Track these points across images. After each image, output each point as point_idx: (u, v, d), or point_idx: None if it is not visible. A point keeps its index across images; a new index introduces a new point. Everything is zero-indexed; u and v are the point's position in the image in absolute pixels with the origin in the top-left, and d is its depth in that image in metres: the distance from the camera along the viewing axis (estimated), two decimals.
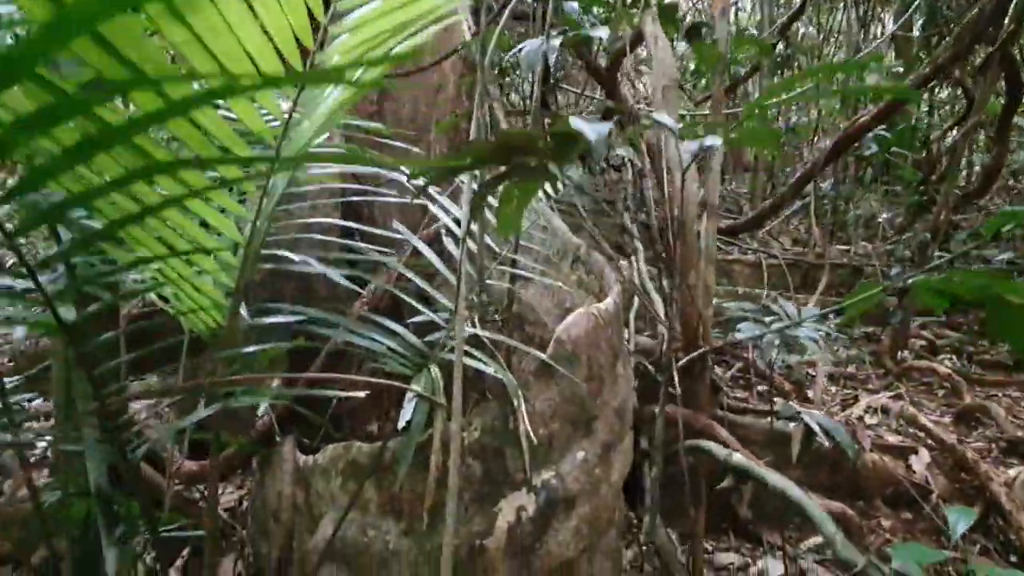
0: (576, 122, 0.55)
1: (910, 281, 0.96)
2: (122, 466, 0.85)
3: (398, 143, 1.63)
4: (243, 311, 0.91)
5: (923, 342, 3.81)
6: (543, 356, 1.04)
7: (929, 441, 2.42)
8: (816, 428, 1.59)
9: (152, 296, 0.92)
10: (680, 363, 1.56)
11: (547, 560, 1.04)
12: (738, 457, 1.30)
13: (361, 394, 0.94)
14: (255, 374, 2.04)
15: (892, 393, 2.93)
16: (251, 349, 0.90)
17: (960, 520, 1.32)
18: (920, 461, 2.34)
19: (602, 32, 1.21)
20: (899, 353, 3.59)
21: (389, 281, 1.88)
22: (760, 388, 2.95)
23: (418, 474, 1.05)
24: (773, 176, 7.88)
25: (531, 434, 0.99)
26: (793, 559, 1.97)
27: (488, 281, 1.18)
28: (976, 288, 0.77)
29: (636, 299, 2.37)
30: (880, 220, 5.10)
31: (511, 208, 0.77)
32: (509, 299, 1.37)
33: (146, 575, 1.44)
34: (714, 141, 0.70)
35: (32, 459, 2.16)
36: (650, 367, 1.90)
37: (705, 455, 1.38)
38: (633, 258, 2.72)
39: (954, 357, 3.74)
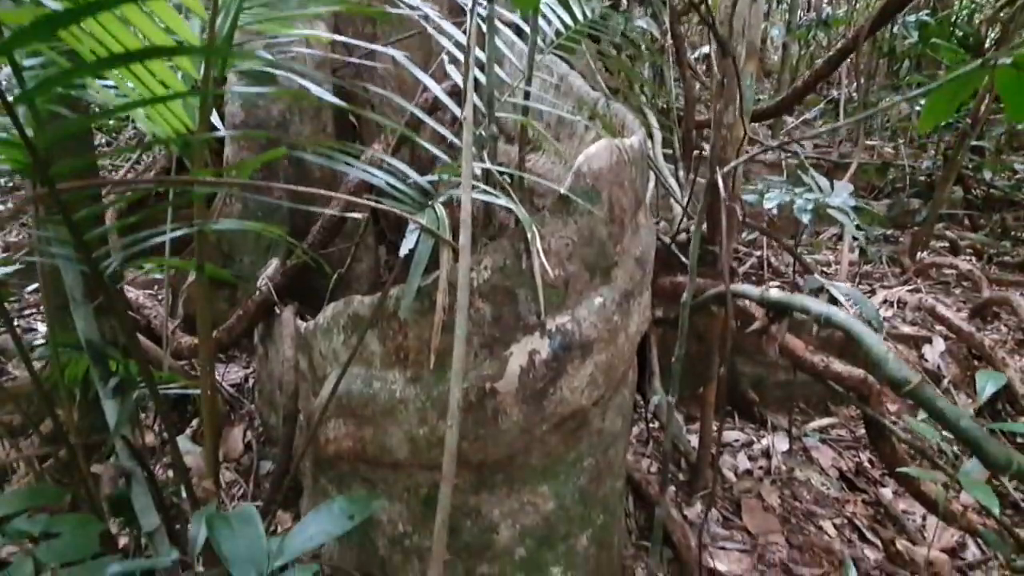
0: None
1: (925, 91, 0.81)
2: (98, 284, 0.76)
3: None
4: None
5: (944, 243, 3.69)
6: (561, 189, 0.93)
7: (944, 331, 2.37)
8: (840, 297, 1.51)
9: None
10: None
11: (560, 407, 0.99)
12: (775, 292, 1.23)
13: (359, 215, 0.84)
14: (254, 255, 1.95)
15: (910, 287, 2.85)
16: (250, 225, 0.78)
17: (989, 383, 1.27)
18: (934, 350, 2.30)
19: None
20: (919, 253, 3.48)
21: (386, 149, 1.73)
22: (773, 283, 2.87)
23: (424, 320, 0.98)
24: (798, 74, 7.34)
25: (548, 272, 0.90)
26: (797, 438, 1.99)
27: (498, 114, 1.04)
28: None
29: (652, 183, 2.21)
30: (916, 109, 4.71)
31: None
32: (520, 182, 1.23)
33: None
34: None
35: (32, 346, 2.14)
36: (665, 239, 1.79)
37: (739, 298, 1.30)
38: (650, 141, 2.52)
39: (974, 258, 3.64)
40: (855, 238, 2.89)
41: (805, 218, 1.50)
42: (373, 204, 0.90)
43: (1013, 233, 3.91)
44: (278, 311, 1.65)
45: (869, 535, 1.54)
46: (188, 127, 0.74)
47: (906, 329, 2.40)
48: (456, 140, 1.04)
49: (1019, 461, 0.87)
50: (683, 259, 1.82)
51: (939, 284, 3.26)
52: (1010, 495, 1.71)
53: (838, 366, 1.44)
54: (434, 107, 1.69)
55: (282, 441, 1.37)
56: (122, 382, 1.14)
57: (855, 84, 3.92)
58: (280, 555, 0.71)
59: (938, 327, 2.44)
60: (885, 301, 2.66)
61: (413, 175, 0.99)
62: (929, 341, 2.32)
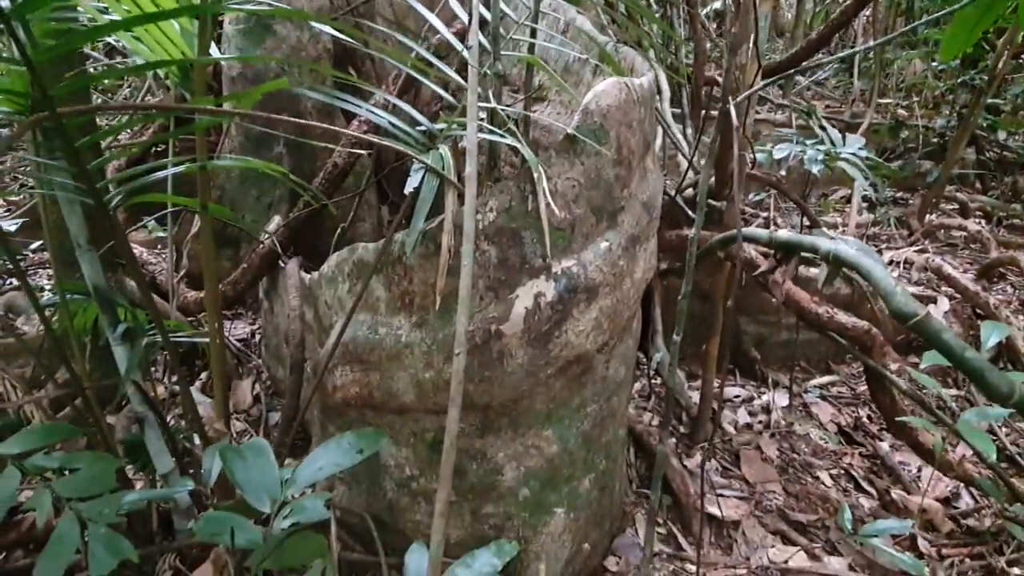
0: None
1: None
2: (103, 219, 0.76)
3: None
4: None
5: (954, 205, 3.64)
6: (568, 129, 0.91)
7: (950, 292, 2.36)
8: (847, 253, 1.50)
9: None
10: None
11: (565, 350, 1.00)
12: (783, 233, 1.22)
13: (364, 152, 0.82)
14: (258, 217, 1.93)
15: (917, 248, 2.83)
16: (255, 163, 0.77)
17: (993, 333, 1.27)
18: (938, 309, 2.29)
19: None
20: (927, 215, 3.44)
21: (384, 106, 1.69)
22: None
23: (428, 264, 0.97)
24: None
25: (555, 212, 0.89)
26: (798, 394, 2.01)
27: (504, 52, 1.01)
28: None
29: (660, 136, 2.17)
30: (932, 66, 4.56)
31: None
32: (526, 129, 1.20)
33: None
34: None
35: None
36: (671, 192, 1.77)
37: (748, 242, 1.30)
38: (658, 97, 2.46)
39: (983, 221, 3.59)
40: (865, 193, 2.83)
41: (815, 168, 1.47)
42: (377, 140, 0.88)
43: None
44: (282, 264, 1.65)
45: (865, 485, 1.57)
46: (186, 54, 0.72)
47: (912, 289, 2.39)
48: (462, 80, 1.01)
49: (1021, 391, 0.88)
50: (689, 212, 1.80)
51: (947, 245, 3.23)
52: (1006, 448, 1.74)
53: (842, 317, 1.44)
54: (438, 55, 1.65)
55: (289, 389, 1.39)
56: (131, 329, 1.15)
57: (870, 41, 3.78)
58: (292, 484, 0.73)
59: (944, 288, 2.44)
60: (892, 262, 2.65)
61: (419, 117, 0.97)
62: (934, 301, 2.32)
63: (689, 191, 1.93)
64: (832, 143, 1.72)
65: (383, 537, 1.13)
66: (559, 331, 0.97)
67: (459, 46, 1.01)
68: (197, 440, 1.33)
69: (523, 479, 1.11)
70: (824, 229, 1.66)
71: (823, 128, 1.69)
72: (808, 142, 1.67)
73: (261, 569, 0.70)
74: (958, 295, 2.32)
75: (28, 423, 1.79)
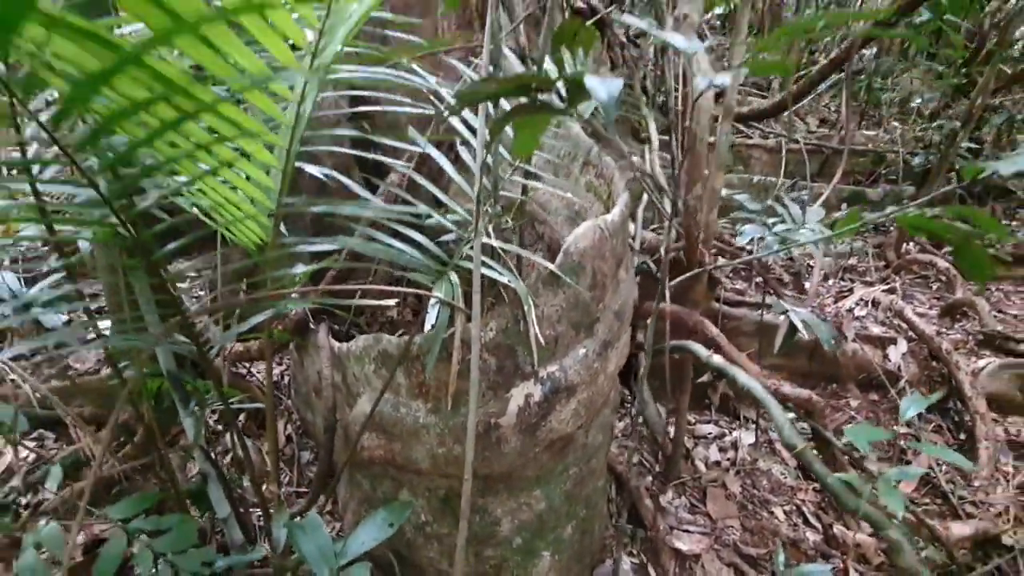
0: (590, 80, 0.59)
1: (891, 214, 1.01)
2: (199, 357, 1.00)
3: (408, 36, 1.57)
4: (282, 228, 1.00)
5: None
6: (552, 267, 1.15)
7: (910, 332, 2.59)
8: (799, 324, 1.73)
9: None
10: (678, 279, 1.66)
11: (550, 434, 1.25)
12: (717, 359, 1.46)
13: (391, 302, 1.07)
14: (290, 285, 2.19)
15: (886, 286, 3.05)
16: (299, 270, 1.01)
17: (911, 406, 1.51)
18: (897, 351, 2.53)
19: None
20: (904, 245, 3.65)
21: (400, 184, 1.93)
22: (759, 280, 3.09)
23: (441, 364, 1.22)
24: (811, 43, 7.22)
25: (539, 336, 1.14)
26: (764, 431, 2.26)
27: (503, 193, 1.24)
28: (944, 228, 0.84)
29: (645, 194, 2.39)
30: (916, 103, 4.78)
31: (526, 134, 0.82)
32: (520, 207, 1.44)
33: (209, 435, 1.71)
34: (724, 80, 0.71)
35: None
36: (652, 266, 2.00)
37: (690, 354, 1.55)
38: (647, 146, 2.68)
39: None
40: (827, 253, 3.05)
41: (771, 256, 1.71)
42: (394, 272, 1.13)
43: (1001, 223, 4.04)
44: (311, 326, 1.90)
45: (812, 520, 1.83)
46: (263, 239, 0.96)
47: (875, 330, 2.63)
48: (461, 211, 1.25)
49: (865, 509, 1.13)
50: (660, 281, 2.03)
51: (920, 277, 3.46)
52: (941, 486, 1.99)
53: (786, 389, 1.68)
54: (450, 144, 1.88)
55: (324, 447, 1.65)
56: (199, 403, 1.41)
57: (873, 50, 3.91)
58: (344, 555, 0.99)
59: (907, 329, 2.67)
60: (861, 300, 2.88)
61: (431, 247, 1.21)
62: (894, 342, 2.55)
63: (673, 254, 2.16)
64: (793, 219, 1.95)
65: (402, 570, 1.39)
66: (545, 421, 1.22)
67: (464, 185, 1.24)
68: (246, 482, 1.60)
69: (516, 530, 1.37)
70: (783, 301, 1.89)
71: (784, 206, 1.92)
72: (771, 220, 1.89)
73: None
74: (916, 337, 2.56)
75: (88, 461, 2.06)
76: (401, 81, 1.17)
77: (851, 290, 3.02)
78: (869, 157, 4.24)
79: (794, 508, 1.88)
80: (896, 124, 5.17)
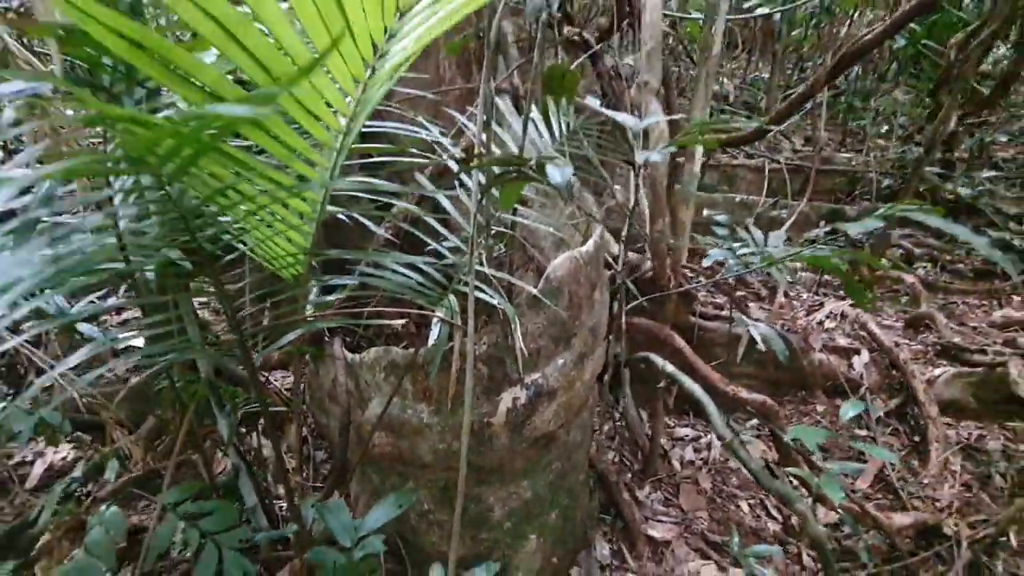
0: (549, 168, 0.83)
1: (797, 253, 1.24)
2: (247, 369, 1.23)
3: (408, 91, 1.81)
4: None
5: (902, 250, 4.08)
6: (535, 291, 1.38)
7: (873, 343, 2.82)
8: (757, 337, 1.96)
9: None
10: (649, 297, 1.89)
11: (534, 432, 1.47)
12: (670, 367, 1.69)
13: (399, 322, 1.30)
14: (322, 309, 2.40)
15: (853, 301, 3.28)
16: (329, 298, 1.24)
17: (849, 410, 1.73)
18: (860, 360, 2.76)
19: None
20: (878, 260, 3.88)
21: (404, 217, 2.17)
22: (737, 293, 3.32)
23: (442, 373, 1.45)
24: (802, 61, 7.51)
25: (524, 349, 1.36)
26: (736, 433, 2.48)
27: (495, 229, 1.48)
28: (834, 265, 1.07)
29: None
30: (898, 121, 5.03)
31: (509, 192, 1.05)
32: (511, 238, 1.68)
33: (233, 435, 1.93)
34: (658, 157, 0.94)
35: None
36: (631, 287, 2.23)
37: (650, 364, 1.78)
38: (631, 174, 2.92)
39: (929, 265, 4.03)
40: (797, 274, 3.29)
41: (731, 276, 1.94)
42: (409, 311, 1.36)
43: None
44: (327, 340, 2.13)
45: (774, 512, 2.04)
46: (300, 272, 1.19)
47: (842, 341, 2.85)
48: (458, 242, 1.49)
49: (776, 486, 1.34)
50: (640, 299, 2.27)
51: (890, 292, 3.69)
52: (893, 482, 2.21)
53: (744, 394, 1.90)
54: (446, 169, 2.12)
55: (339, 445, 1.87)
56: (232, 406, 1.64)
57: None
58: (362, 529, 1.21)
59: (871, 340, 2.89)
60: (830, 314, 3.11)
61: (433, 273, 1.44)
62: (858, 352, 2.78)
63: (649, 272, 2.39)
64: (756, 243, 2.19)
65: (407, 553, 1.61)
66: (530, 421, 1.44)
67: (464, 224, 1.48)
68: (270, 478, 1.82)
69: (507, 515, 1.59)
70: (745, 318, 2.12)
71: (747, 230, 2.16)
72: (736, 244, 2.13)
73: None
74: (878, 348, 2.78)
75: (127, 458, 2.28)
76: (408, 135, 1.41)
77: (822, 304, 3.25)
78: (848, 177, 4.49)
79: (758, 502, 2.10)
80: (881, 142, 5.42)
